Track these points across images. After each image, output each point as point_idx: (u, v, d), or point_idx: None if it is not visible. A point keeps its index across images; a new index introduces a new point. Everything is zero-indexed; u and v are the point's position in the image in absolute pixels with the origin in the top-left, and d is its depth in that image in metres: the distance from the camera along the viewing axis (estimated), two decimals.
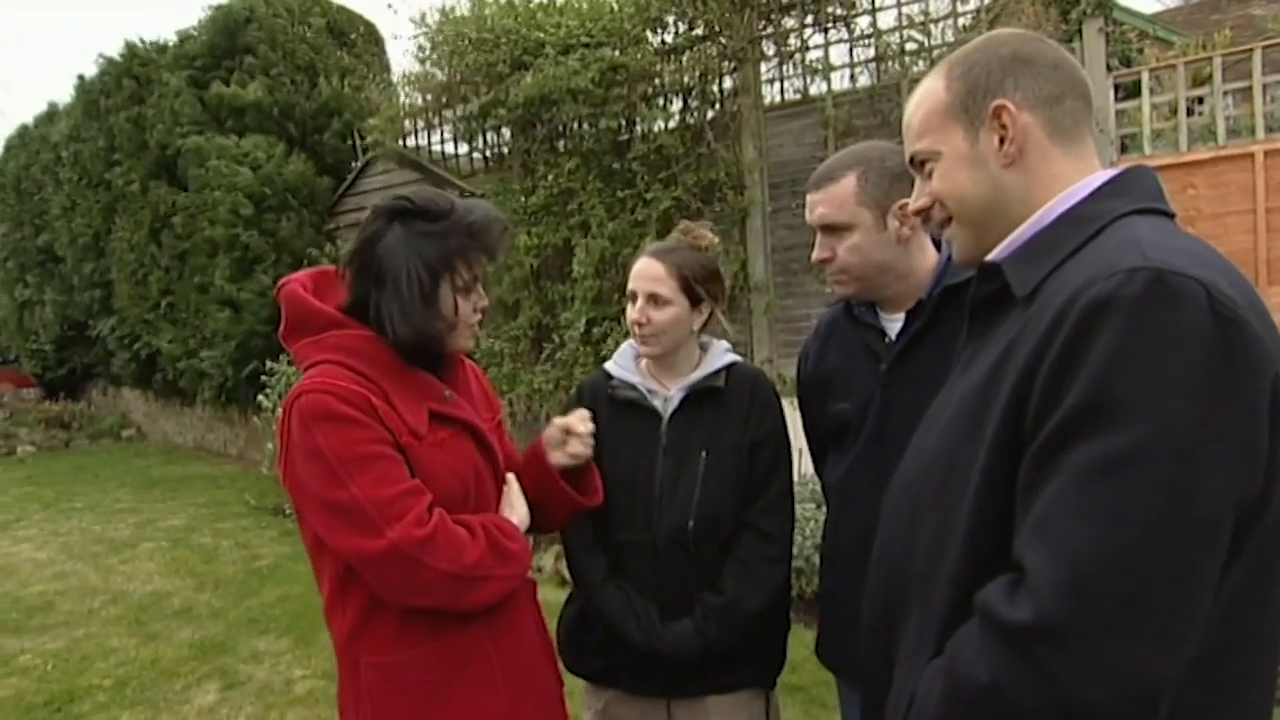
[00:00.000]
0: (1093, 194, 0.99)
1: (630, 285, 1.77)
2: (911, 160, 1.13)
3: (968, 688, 0.85)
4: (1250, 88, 4.35)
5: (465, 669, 1.44)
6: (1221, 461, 0.79)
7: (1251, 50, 4.41)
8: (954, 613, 0.92)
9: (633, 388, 1.80)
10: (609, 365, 1.87)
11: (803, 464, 2.08)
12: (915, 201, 1.14)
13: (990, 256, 1.05)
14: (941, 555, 0.97)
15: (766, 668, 1.82)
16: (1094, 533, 0.79)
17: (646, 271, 1.75)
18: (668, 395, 1.79)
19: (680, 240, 1.80)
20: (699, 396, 1.78)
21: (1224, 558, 0.80)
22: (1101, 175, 1.01)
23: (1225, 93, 4.46)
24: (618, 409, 1.81)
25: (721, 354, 1.83)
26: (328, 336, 1.42)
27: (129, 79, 9.75)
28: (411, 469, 1.38)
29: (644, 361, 1.84)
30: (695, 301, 1.76)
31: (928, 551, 1.01)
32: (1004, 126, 1.02)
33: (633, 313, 1.76)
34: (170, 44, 9.69)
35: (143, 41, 9.95)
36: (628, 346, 1.87)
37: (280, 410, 1.39)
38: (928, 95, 1.09)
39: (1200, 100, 4.94)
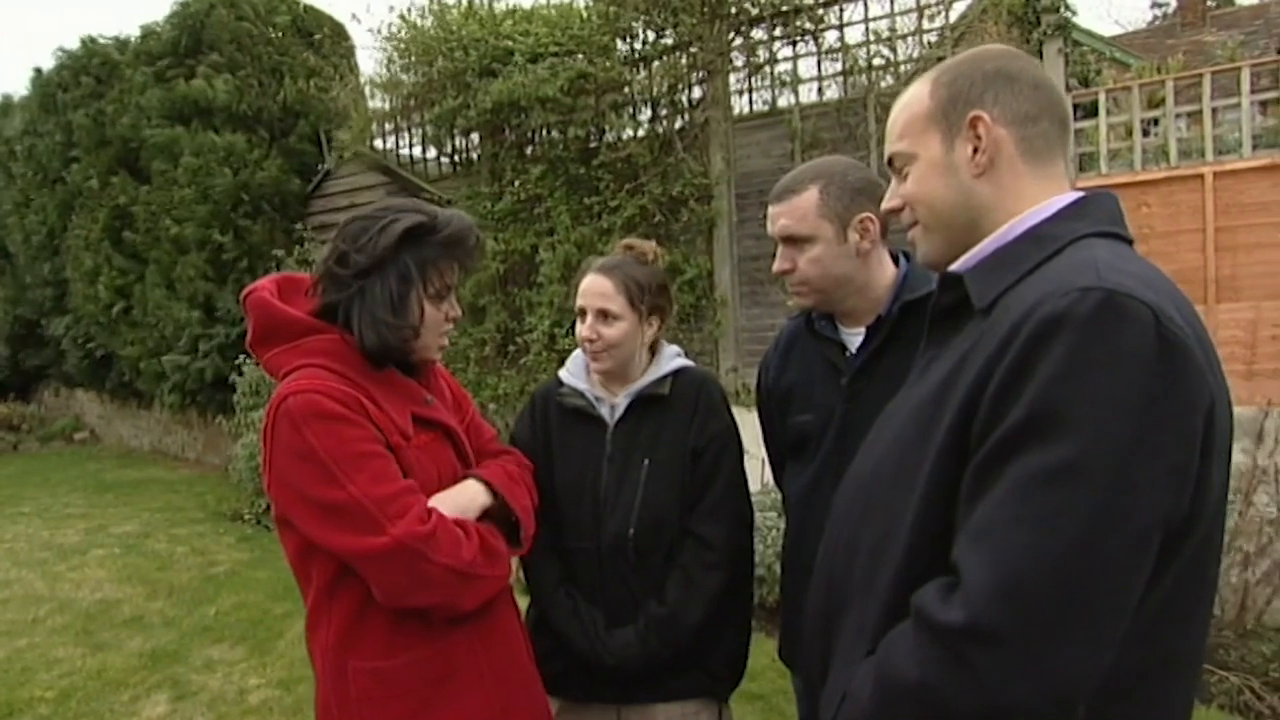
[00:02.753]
0: (1056, 214, 1.02)
1: (579, 302, 1.77)
2: (890, 161, 1.15)
3: (897, 684, 0.88)
4: (1201, 111, 4.48)
5: (457, 672, 1.43)
6: (1153, 479, 0.81)
7: (1202, 75, 4.55)
8: (892, 612, 0.95)
9: (580, 395, 1.80)
10: (561, 372, 1.87)
11: (764, 473, 2.09)
12: (887, 201, 1.17)
13: (953, 268, 1.08)
14: (883, 556, 0.99)
15: (719, 678, 1.81)
16: (1029, 540, 0.81)
17: (594, 288, 1.75)
18: (614, 402, 1.79)
19: (625, 255, 1.80)
20: (644, 403, 1.77)
21: (1149, 572, 0.83)
22: (1066, 197, 1.04)
23: (1177, 115, 4.58)
24: (566, 416, 1.81)
25: (670, 359, 1.83)
26: (306, 342, 1.41)
27: (88, 75, 9.51)
28: (403, 470, 1.37)
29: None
30: (644, 315, 1.76)
31: (870, 552, 1.03)
32: (978, 137, 1.04)
33: (583, 329, 1.76)
34: (132, 39, 9.48)
35: (103, 37, 9.72)
36: (579, 354, 1.87)
37: (264, 417, 1.36)
38: (913, 100, 1.11)
39: (1155, 122, 5.08)
